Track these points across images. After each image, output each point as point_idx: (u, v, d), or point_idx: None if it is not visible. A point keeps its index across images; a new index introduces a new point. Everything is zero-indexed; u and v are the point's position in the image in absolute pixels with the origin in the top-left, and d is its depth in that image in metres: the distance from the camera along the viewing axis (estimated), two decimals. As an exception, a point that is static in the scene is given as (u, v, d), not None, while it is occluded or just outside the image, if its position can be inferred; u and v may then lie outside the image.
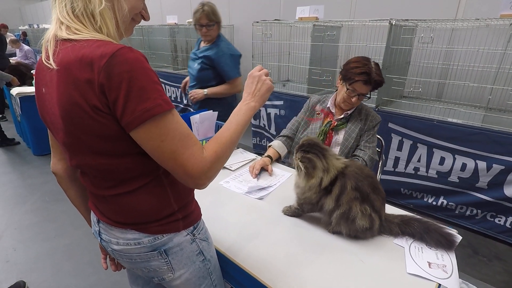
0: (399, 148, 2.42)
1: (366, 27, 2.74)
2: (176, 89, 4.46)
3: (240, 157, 1.64)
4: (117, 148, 0.62)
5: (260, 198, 1.25)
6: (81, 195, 0.87)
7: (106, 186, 0.69)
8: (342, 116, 1.51)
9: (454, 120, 2.13)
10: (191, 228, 0.79)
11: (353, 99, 1.40)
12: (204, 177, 0.64)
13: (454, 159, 2.18)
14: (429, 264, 0.95)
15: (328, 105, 1.55)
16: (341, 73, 1.45)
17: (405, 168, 2.43)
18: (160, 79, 4.52)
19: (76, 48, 0.57)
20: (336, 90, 1.54)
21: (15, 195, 2.79)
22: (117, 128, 0.59)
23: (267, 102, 3.27)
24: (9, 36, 6.88)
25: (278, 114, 3.22)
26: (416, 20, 2.27)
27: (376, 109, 2.45)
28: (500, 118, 2.12)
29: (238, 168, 1.53)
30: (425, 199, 2.39)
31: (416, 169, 2.38)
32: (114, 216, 0.73)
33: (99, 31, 0.60)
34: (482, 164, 2.07)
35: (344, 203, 0.99)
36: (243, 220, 1.12)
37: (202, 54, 2.04)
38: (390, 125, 2.40)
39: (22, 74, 4.29)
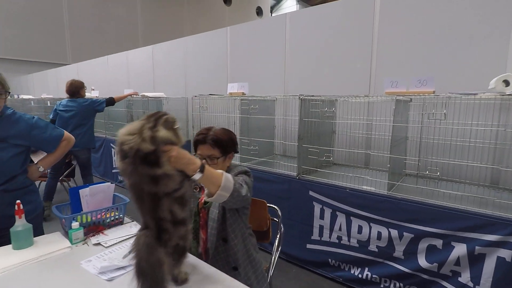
0: (321, 216, 2.40)
1: (287, 101, 2.99)
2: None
3: (125, 231, 1.58)
4: None
5: (110, 280, 1.17)
6: None
7: None
8: None
9: (364, 188, 2.18)
10: None
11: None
12: None
13: (370, 227, 2.16)
14: None
15: None
16: None
17: (330, 237, 2.38)
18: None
19: None
20: None
21: None
22: None
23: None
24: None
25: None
26: (319, 96, 2.49)
27: (297, 178, 2.50)
28: (403, 185, 2.19)
29: (114, 244, 1.46)
30: (352, 271, 2.28)
31: (339, 238, 2.33)
32: None
33: None
34: (394, 232, 2.05)
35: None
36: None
37: (2, 135, 1.56)
38: (311, 193, 2.43)
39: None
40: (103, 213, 1.65)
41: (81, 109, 3.74)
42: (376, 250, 2.15)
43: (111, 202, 1.78)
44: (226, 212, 1.40)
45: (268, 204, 1.76)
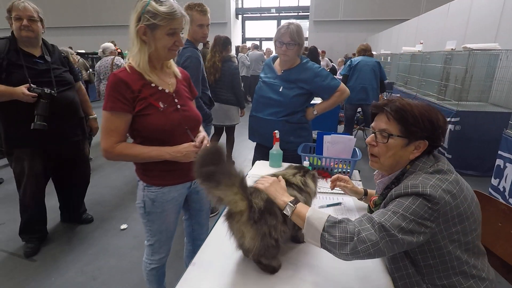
0: None
1: None
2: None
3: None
4: None
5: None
6: None
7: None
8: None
9: None
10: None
11: (369, 138, 1.01)
12: (109, 157, 1.14)
13: None
14: None
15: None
16: None
17: None
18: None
19: None
20: None
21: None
22: None
23: None
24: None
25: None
26: None
27: None
28: None
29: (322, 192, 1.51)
30: None
31: None
32: None
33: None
34: None
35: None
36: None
37: (294, 78, 1.97)
38: None
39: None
40: (333, 163, 1.71)
41: (374, 65, 4.03)
42: None
43: (350, 155, 1.78)
44: None
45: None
